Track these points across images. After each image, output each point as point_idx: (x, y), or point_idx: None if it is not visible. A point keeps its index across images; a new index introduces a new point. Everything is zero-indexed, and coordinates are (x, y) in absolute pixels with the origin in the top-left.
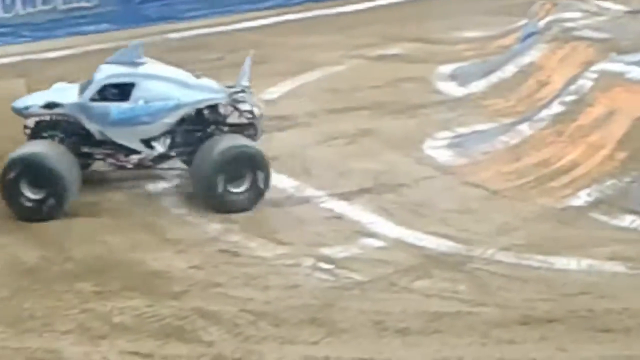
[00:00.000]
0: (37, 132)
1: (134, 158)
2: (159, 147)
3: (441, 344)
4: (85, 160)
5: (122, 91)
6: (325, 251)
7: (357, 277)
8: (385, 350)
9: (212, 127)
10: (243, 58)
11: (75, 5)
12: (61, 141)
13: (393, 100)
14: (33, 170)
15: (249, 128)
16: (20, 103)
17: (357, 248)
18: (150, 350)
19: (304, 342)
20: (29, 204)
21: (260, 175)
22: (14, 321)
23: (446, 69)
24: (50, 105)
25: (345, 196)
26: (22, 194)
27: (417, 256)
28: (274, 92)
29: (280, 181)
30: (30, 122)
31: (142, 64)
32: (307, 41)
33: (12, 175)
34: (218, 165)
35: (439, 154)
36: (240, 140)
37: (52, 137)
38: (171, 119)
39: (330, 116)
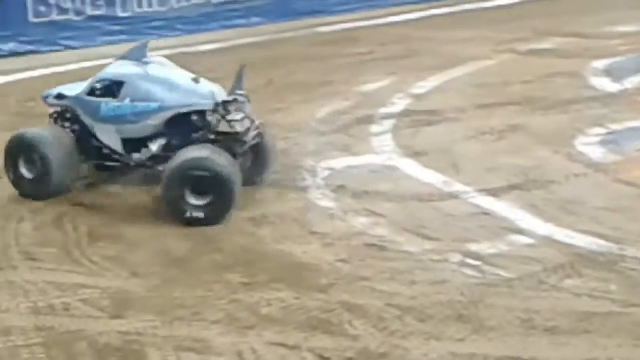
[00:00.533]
0: (54, 121)
1: (136, 156)
2: (153, 148)
3: (591, 345)
4: (93, 153)
5: (114, 89)
6: (473, 247)
7: (504, 274)
8: (532, 349)
9: (199, 133)
10: (393, 52)
11: None
12: (73, 132)
13: (544, 96)
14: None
15: (237, 138)
16: (45, 92)
17: (505, 245)
18: (297, 342)
19: (449, 338)
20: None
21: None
22: (164, 310)
23: (600, 64)
24: (59, 97)
25: (494, 192)
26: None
27: (566, 254)
28: (422, 86)
29: (427, 176)
30: (51, 111)
31: (146, 63)
32: (457, 35)
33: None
34: (175, 175)
35: (591, 150)
36: (206, 152)
37: (64, 127)
38: (155, 121)
39: (479, 111)
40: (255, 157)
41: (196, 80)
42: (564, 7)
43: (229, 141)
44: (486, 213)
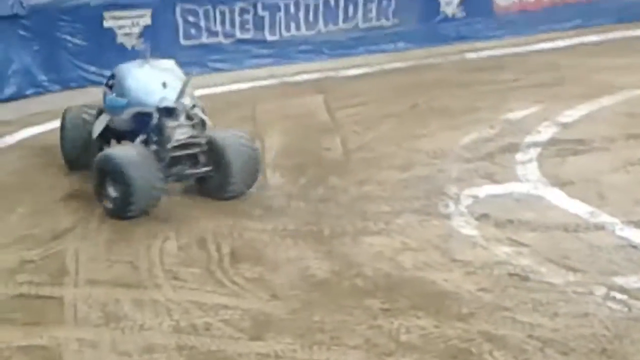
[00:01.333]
0: None
1: None
2: (137, 142)
3: None
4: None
5: (110, 83)
6: (619, 280)
7: None
8: None
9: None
10: (540, 79)
11: (375, 23)
12: None
13: None
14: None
15: (162, 143)
16: None
17: None
18: None
19: None
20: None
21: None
22: (303, 333)
23: None
24: None
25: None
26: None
27: None
28: (569, 115)
29: (573, 206)
30: None
31: (144, 63)
32: (606, 63)
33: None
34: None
35: None
36: (121, 149)
37: None
38: (125, 116)
39: (629, 141)
40: (217, 168)
41: (164, 85)
42: None
43: (157, 144)
44: (633, 245)
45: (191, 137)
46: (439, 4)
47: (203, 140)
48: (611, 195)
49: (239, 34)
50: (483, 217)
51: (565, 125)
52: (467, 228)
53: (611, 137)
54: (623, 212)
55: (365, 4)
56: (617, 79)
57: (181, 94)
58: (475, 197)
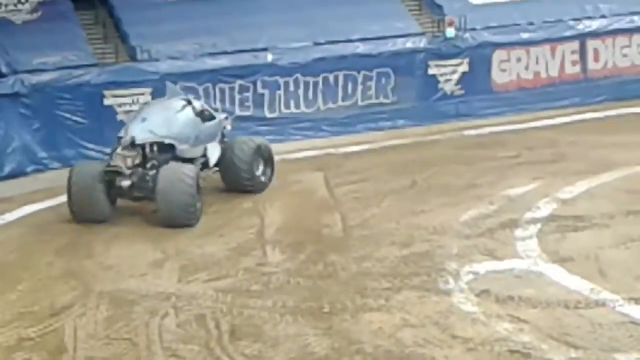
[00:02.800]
0: None
1: None
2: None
3: None
4: None
5: None
6: (620, 357)
7: None
8: None
9: None
10: (540, 156)
11: (374, 101)
12: None
13: None
14: None
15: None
16: None
17: None
18: None
19: None
20: None
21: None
22: None
23: None
24: None
25: None
26: None
27: None
28: (569, 191)
29: (574, 283)
30: None
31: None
32: (606, 140)
33: None
34: None
35: None
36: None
37: None
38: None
39: (628, 218)
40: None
41: (143, 120)
42: None
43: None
44: (635, 322)
45: (122, 166)
46: (438, 82)
47: (128, 171)
48: (612, 272)
49: (238, 111)
50: (483, 294)
51: (565, 202)
52: (468, 304)
53: (611, 213)
54: (624, 289)
55: (364, 82)
56: (616, 156)
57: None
58: (475, 273)
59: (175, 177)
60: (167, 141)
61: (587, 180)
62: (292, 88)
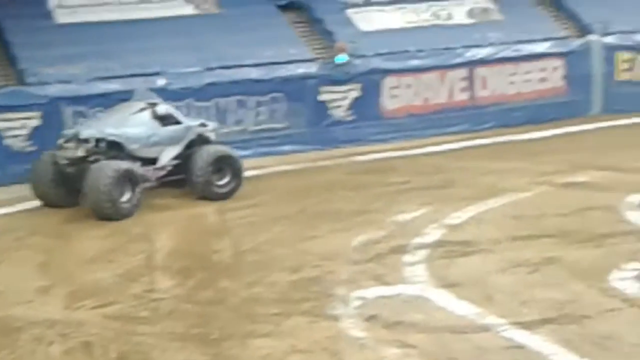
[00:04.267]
0: None
1: None
2: None
3: None
4: None
5: None
6: None
7: None
8: None
9: None
10: (429, 182)
11: (266, 126)
12: None
13: (579, 229)
14: None
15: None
16: None
17: None
18: None
19: None
20: None
21: None
22: None
23: (635, 198)
24: None
25: (528, 326)
26: None
27: None
28: (457, 217)
29: (461, 307)
30: None
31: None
32: (493, 167)
33: None
34: None
35: (627, 285)
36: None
37: None
38: None
39: (514, 243)
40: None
41: (98, 119)
42: (601, 141)
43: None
44: (519, 347)
45: (64, 156)
46: (328, 108)
47: (67, 161)
48: (498, 297)
49: None
50: (372, 319)
51: (453, 227)
52: (356, 330)
53: (497, 239)
54: (510, 314)
55: (256, 107)
56: (503, 182)
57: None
58: (364, 298)
59: (98, 171)
60: (110, 138)
61: (475, 206)
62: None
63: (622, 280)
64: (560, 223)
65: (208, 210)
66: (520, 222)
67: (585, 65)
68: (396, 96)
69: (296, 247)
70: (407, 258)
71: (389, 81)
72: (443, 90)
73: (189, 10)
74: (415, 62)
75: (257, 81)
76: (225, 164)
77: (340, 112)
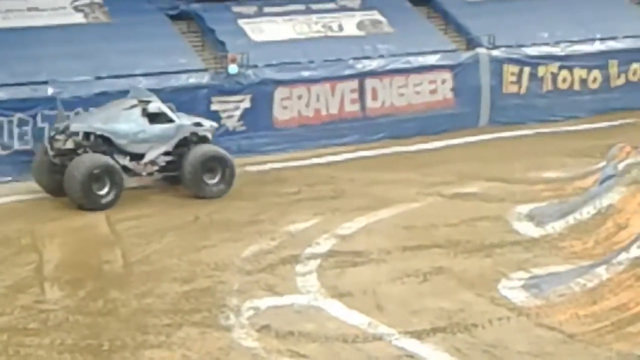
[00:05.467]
0: None
1: None
2: None
3: None
4: None
5: None
6: None
7: None
8: None
9: None
10: (320, 192)
11: None
12: None
13: (468, 239)
14: None
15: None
16: None
17: None
18: None
19: None
20: None
21: None
22: None
23: (523, 208)
24: None
25: (418, 335)
26: None
27: None
28: (348, 227)
29: (352, 317)
30: None
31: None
32: (383, 177)
33: None
34: None
35: (514, 294)
36: None
37: None
38: None
39: (404, 253)
40: None
41: (91, 113)
42: (489, 152)
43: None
44: (410, 355)
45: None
46: (220, 118)
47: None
48: (388, 306)
49: (17, 145)
50: (264, 329)
51: (344, 238)
52: (248, 340)
53: (388, 249)
54: (400, 323)
55: None
56: (393, 192)
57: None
58: (256, 308)
59: (77, 163)
60: (98, 132)
61: (366, 216)
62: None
63: (510, 289)
64: (449, 233)
65: (98, 221)
66: (410, 233)
67: (473, 78)
68: (287, 107)
69: (187, 257)
70: (299, 268)
71: (280, 92)
72: (334, 101)
73: (78, 18)
74: (306, 74)
75: (148, 91)
76: (217, 164)
77: (232, 122)
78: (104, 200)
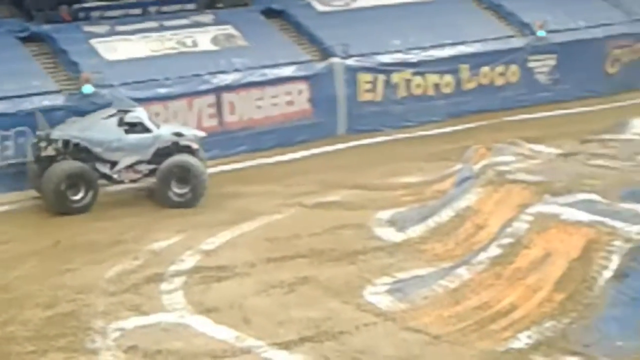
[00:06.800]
0: None
1: None
2: None
3: None
4: None
5: None
6: None
7: None
8: None
9: None
10: (182, 209)
11: (14, 161)
12: None
13: (332, 248)
14: None
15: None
16: None
17: None
18: None
19: None
20: None
21: None
22: None
23: (384, 214)
24: None
25: (286, 345)
26: None
27: None
28: (212, 242)
29: (220, 332)
30: None
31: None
32: (245, 191)
33: None
34: None
35: (380, 300)
36: None
37: None
38: None
39: (269, 265)
40: None
41: (74, 122)
42: (349, 160)
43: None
44: None
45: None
46: None
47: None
48: (255, 319)
49: None
50: (131, 350)
51: (208, 253)
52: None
53: (252, 262)
54: (267, 335)
55: (1, 142)
56: (255, 205)
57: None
58: (122, 329)
59: (53, 169)
60: (74, 140)
61: (229, 230)
62: None
63: (375, 294)
64: (313, 243)
65: None
66: (274, 244)
67: (329, 88)
68: None
69: (49, 282)
70: (164, 286)
71: None
72: (192, 117)
73: None
74: (162, 90)
75: (1, 115)
76: (187, 174)
77: None
78: (76, 205)
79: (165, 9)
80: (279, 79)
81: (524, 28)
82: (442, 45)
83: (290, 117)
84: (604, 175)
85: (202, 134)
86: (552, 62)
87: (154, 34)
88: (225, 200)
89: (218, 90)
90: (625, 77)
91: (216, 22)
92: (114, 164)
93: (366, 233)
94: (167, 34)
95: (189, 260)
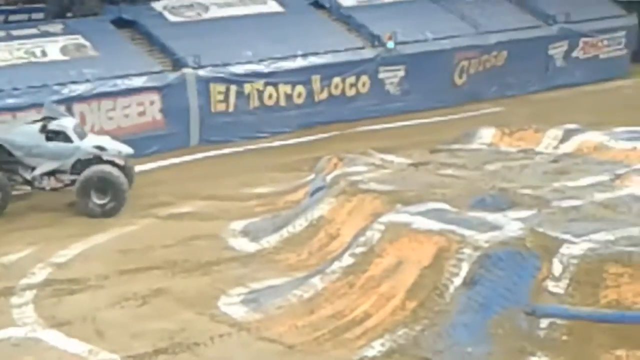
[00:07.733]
0: None
1: None
2: None
3: None
4: None
5: None
6: None
7: None
8: None
9: None
10: (34, 221)
11: None
12: None
13: (186, 259)
14: None
15: None
16: None
17: None
18: None
19: None
20: None
21: None
22: None
23: (238, 225)
24: None
25: (141, 358)
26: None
27: None
28: (64, 255)
29: (72, 346)
30: None
31: None
32: None
33: None
34: None
35: (234, 310)
36: None
37: None
38: None
39: (122, 277)
40: None
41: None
42: (202, 171)
43: None
44: None
45: None
46: None
47: None
48: (109, 332)
49: None
50: None
51: (59, 266)
52: None
53: (105, 274)
54: (121, 347)
55: None
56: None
57: None
58: None
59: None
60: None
61: (81, 242)
62: None
63: (229, 305)
64: (166, 254)
65: None
66: (127, 256)
67: (181, 98)
68: None
69: None
70: (14, 300)
71: None
72: None
73: None
74: (11, 101)
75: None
76: (107, 185)
77: None
78: None
79: (12, 17)
80: (130, 89)
81: (374, 40)
82: (293, 57)
83: (143, 127)
84: (453, 185)
85: (129, 150)
86: (402, 73)
87: (2, 44)
88: (78, 213)
89: (69, 100)
90: (473, 87)
91: (65, 32)
92: (34, 169)
93: (220, 244)
94: (15, 43)
95: (40, 273)
